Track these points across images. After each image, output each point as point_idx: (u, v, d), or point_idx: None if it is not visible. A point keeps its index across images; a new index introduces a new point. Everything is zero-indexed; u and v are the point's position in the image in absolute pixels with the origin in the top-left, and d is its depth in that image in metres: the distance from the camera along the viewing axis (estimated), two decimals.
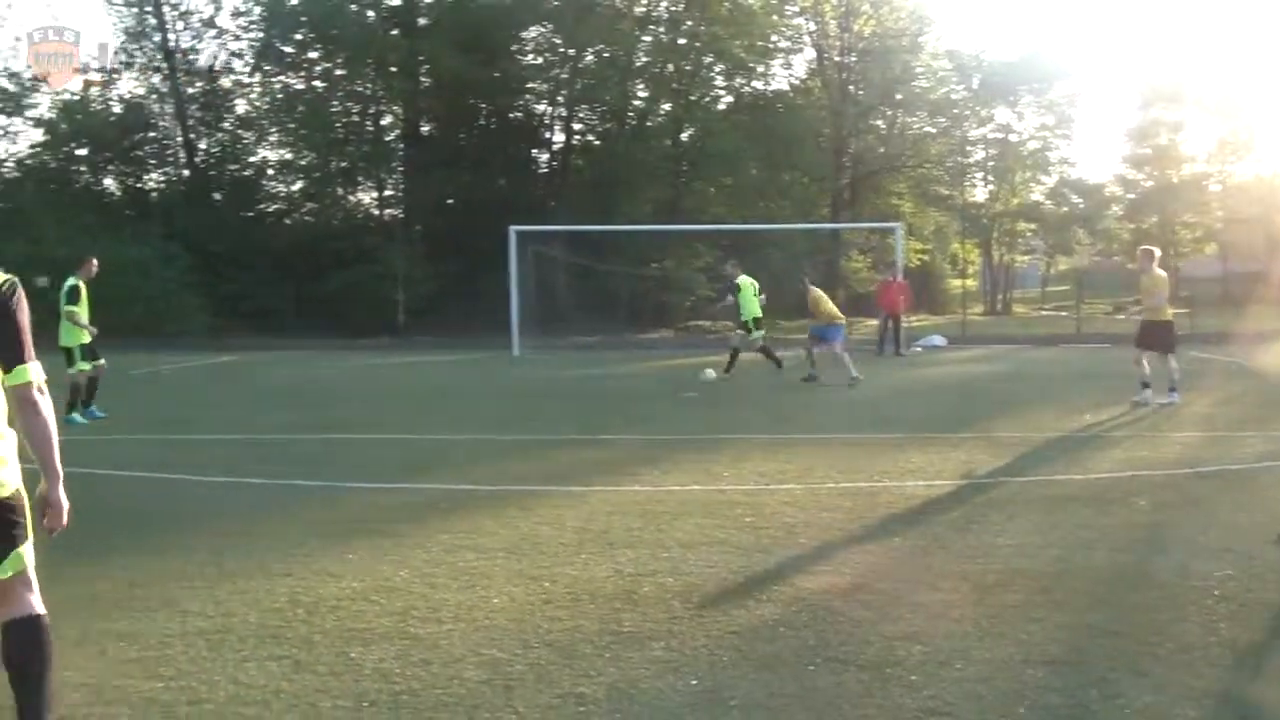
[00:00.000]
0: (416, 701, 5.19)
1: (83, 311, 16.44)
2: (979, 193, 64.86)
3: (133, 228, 45.19)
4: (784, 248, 48.37)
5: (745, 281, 22.94)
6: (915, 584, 7.06)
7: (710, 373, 22.29)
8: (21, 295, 4.37)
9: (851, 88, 55.79)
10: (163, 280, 42.81)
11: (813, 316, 21.99)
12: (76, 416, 16.02)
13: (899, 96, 56.54)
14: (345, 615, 6.47)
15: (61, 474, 4.47)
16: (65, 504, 4.51)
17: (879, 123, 59.31)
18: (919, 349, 32.89)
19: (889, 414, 16.80)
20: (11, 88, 48.88)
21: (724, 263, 28.87)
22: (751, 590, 6.91)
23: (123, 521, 9.12)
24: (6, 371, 4.33)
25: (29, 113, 49.40)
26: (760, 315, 22.90)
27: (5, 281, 4.33)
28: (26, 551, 4.48)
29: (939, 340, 35.60)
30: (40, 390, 4.35)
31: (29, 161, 49.50)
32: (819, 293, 21.87)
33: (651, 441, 14.08)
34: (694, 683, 5.38)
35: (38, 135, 49.66)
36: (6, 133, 51.15)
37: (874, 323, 35.33)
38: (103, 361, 16.91)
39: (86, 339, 16.40)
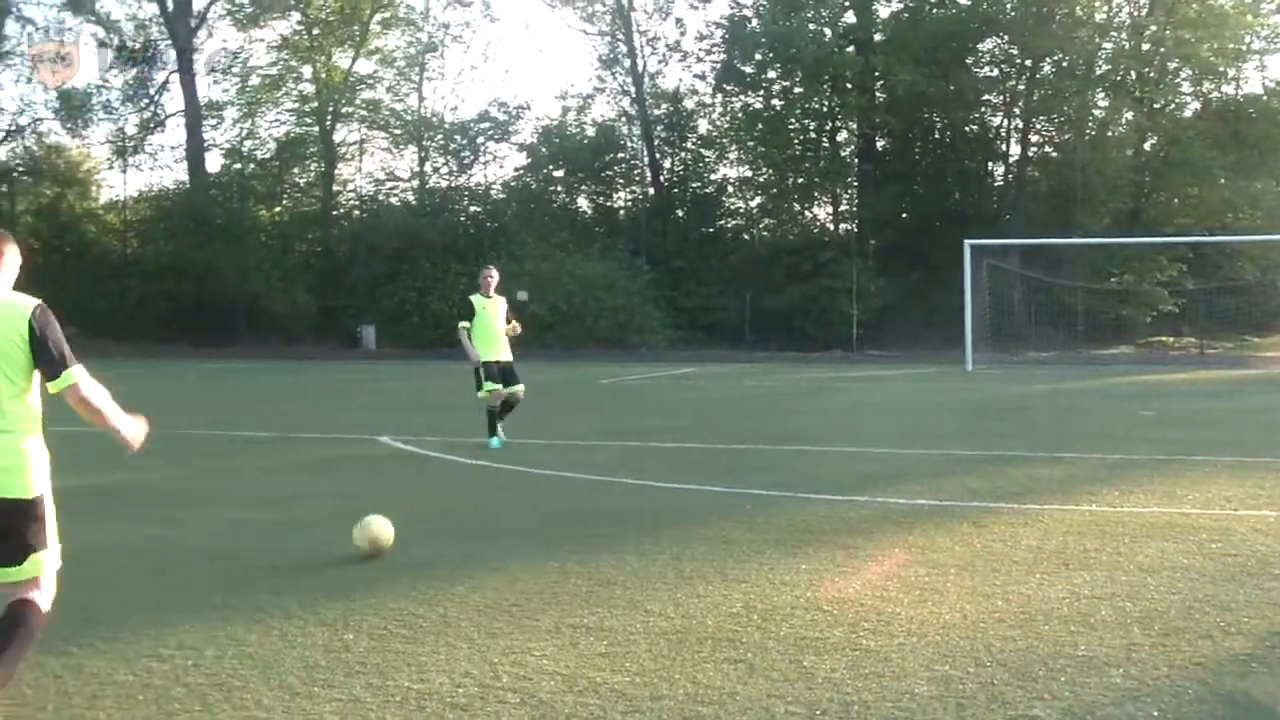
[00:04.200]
0: (867, 713, 5.22)
1: (480, 331, 15.44)
2: None
3: (601, 244, 47.51)
4: (1255, 260, 45.52)
5: None
6: None
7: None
8: (49, 316, 5.01)
9: None
10: (628, 294, 44.77)
11: None
12: (494, 441, 15.09)
13: None
14: (798, 624, 6.58)
15: (125, 426, 5.33)
16: (134, 431, 5.40)
17: None
18: None
19: None
20: (500, 116, 52.62)
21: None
22: (1219, 621, 6.57)
23: (585, 523, 9.65)
24: (51, 381, 4.98)
25: (514, 139, 53.07)
26: None
27: (35, 308, 4.96)
28: (45, 559, 5.02)
29: None
30: (78, 388, 5.02)
31: (513, 184, 53.04)
32: None
33: (1108, 461, 13.60)
34: (1155, 714, 5.19)
35: (521, 159, 53.25)
36: (495, 158, 55.17)
37: None
38: (518, 389, 15.68)
39: (491, 358, 15.38)
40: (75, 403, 5.08)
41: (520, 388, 15.70)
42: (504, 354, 15.46)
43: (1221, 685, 5.54)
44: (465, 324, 15.35)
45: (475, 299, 15.51)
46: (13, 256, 5.12)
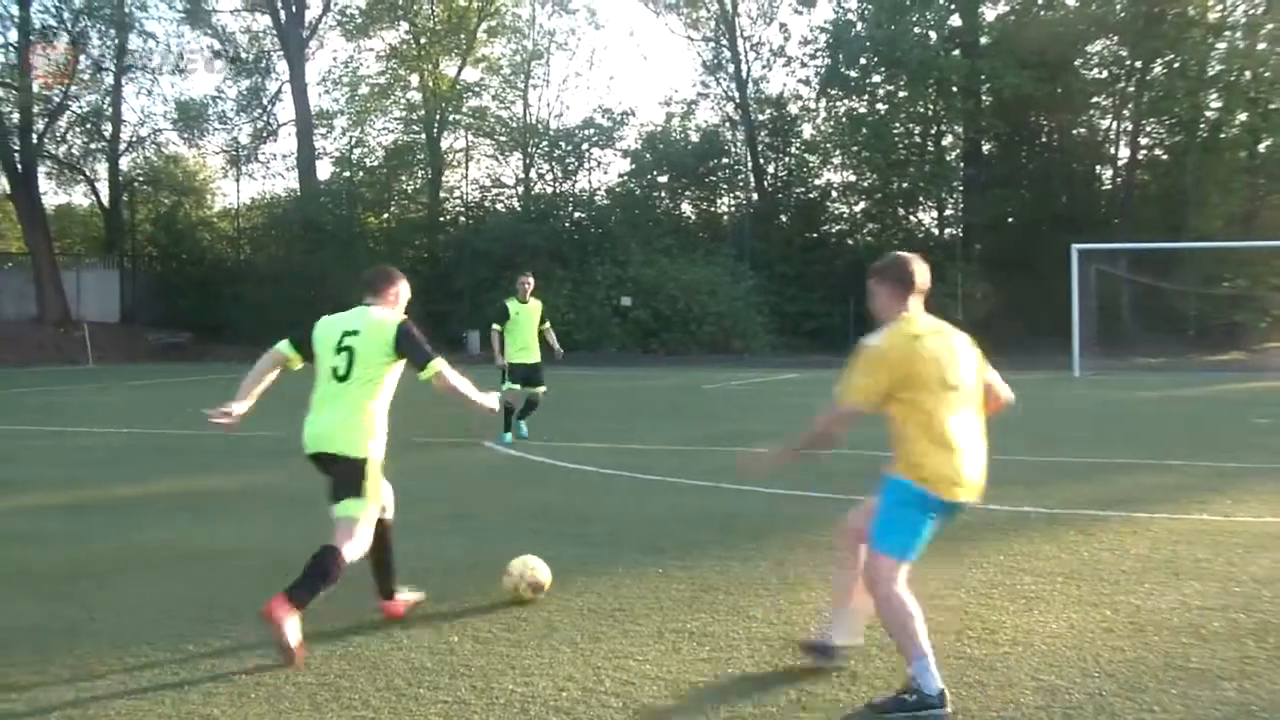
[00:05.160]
0: None
1: (512, 333, 16.49)
2: None
3: (705, 249, 47.54)
4: None
5: None
6: None
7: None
8: (410, 326, 6.88)
9: None
10: (731, 299, 44.78)
11: None
12: (507, 436, 16.18)
13: None
14: None
15: (482, 399, 7.05)
16: (489, 401, 7.18)
17: None
18: None
19: None
20: (605, 122, 52.89)
21: None
22: None
23: (689, 528, 9.69)
24: (420, 370, 6.85)
25: (619, 145, 53.34)
26: None
27: (401, 321, 6.89)
28: (359, 506, 6.66)
29: None
30: (442, 375, 6.84)
31: (617, 189, 53.29)
32: None
33: (1220, 469, 13.39)
34: None
35: (625, 165, 53.48)
36: (599, 164, 55.49)
37: None
38: (539, 390, 16.72)
39: (518, 360, 16.42)
40: (442, 388, 6.88)
41: (542, 389, 16.83)
42: (532, 357, 16.59)
43: None
44: (497, 326, 16.54)
45: (511, 303, 16.67)
46: (405, 289, 7.23)
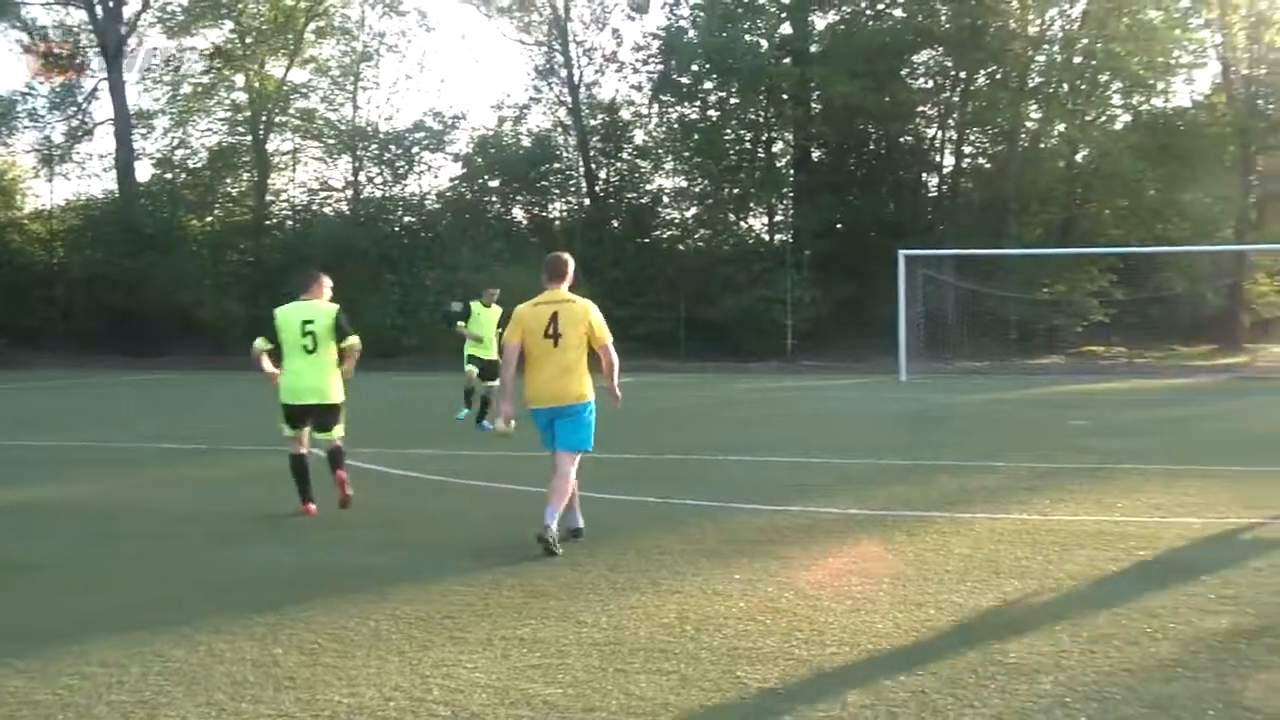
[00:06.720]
0: None
1: (476, 328, 19.25)
2: None
3: (536, 255, 47.41)
4: (1183, 270, 46.25)
5: None
6: None
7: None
8: (342, 312, 10.84)
9: (1260, 102, 52.33)
10: None
11: None
12: (463, 412, 19.53)
13: None
14: (731, 634, 6.61)
15: (350, 373, 10.95)
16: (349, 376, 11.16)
17: None
18: None
19: None
20: (436, 126, 52.42)
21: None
22: (1146, 627, 6.67)
23: (518, 534, 9.62)
24: (343, 341, 10.69)
25: (450, 149, 52.92)
26: None
27: (339, 309, 10.83)
28: (340, 429, 10.91)
29: None
30: (355, 346, 10.79)
31: (448, 193, 52.87)
32: None
33: (1039, 470, 13.74)
34: (1084, 719, 5.28)
35: (456, 169, 53.09)
36: (430, 168, 54.96)
37: None
38: (493, 384, 18.22)
39: (476, 352, 19.07)
40: (350, 352, 10.76)
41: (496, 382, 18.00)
42: (489, 354, 18.49)
43: (1149, 690, 5.62)
44: (462, 323, 19.49)
45: (476, 304, 19.63)
46: (329, 283, 11.08)
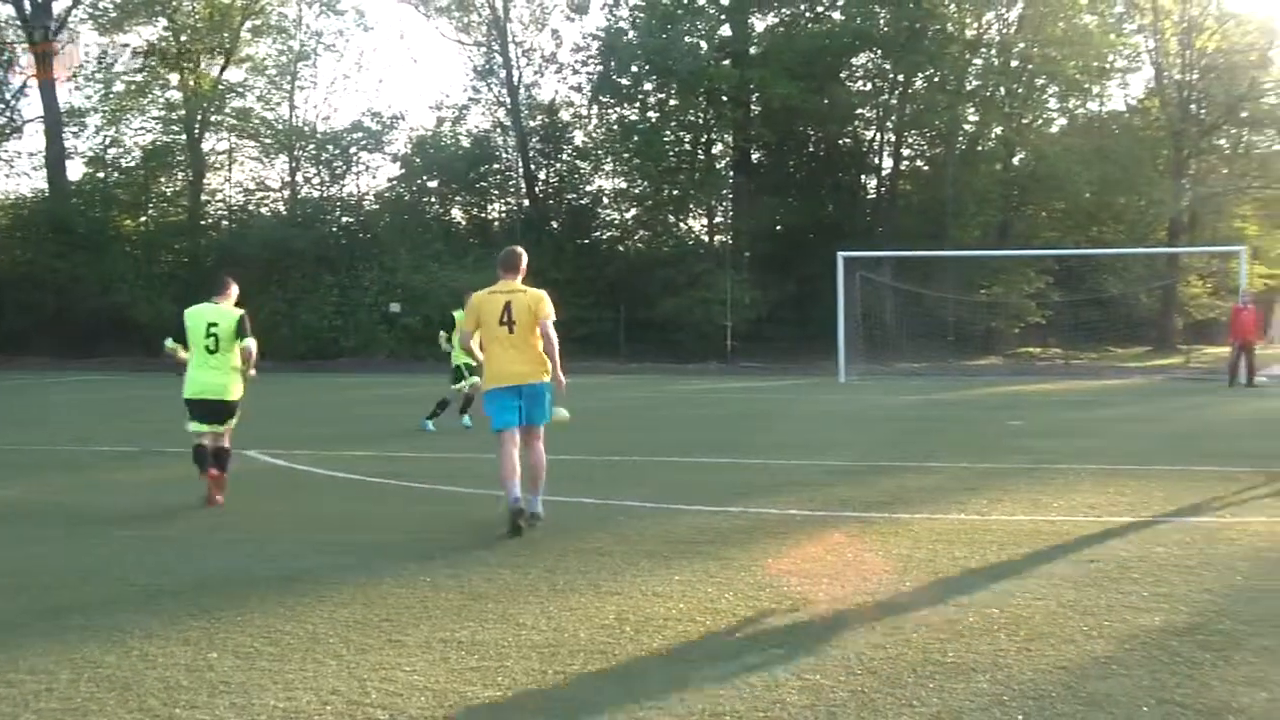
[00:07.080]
0: None
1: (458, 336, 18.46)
2: None
3: (475, 255, 47.31)
4: (1118, 273, 46.84)
5: None
6: (1259, 625, 6.71)
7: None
8: (245, 317, 11.47)
9: (1193, 106, 53.20)
10: None
11: None
12: (427, 425, 19.00)
13: (1245, 114, 53.35)
14: (671, 635, 6.59)
15: (252, 373, 11.60)
16: (251, 374, 11.82)
17: (1222, 142, 56.06)
18: (1264, 380, 31.06)
19: (1235, 447, 16.02)
20: (374, 126, 52.10)
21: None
22: (1081, 625, 6.72)
23: (457, 536, 9.58)
24: (241, 340, 11.36)
25: (388, 149, 52.62)
26: None
27: (241, 314, 11.45)
28: (231, 424, 11.52)
29: None
30: (249, 346, 11.46)
31: (386, 194, 52.61)
32: None
33: (977, 470, 13.83)
34: (1020, 718, 5.28)
35: (394, 169, 52.83)
36: (368, 168, 54.61)
37: (1213, 351, 33.71)
38: (475, 380, 17.96)
39: (464, 359, 18.26)
40: (245, 351, 11.43)
41: (478, 379, 17.63)
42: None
43: (1084, 688, 5.65)
44: (445, 333, 19.60)
45: (458, 314, 18.31)
46: (235, 289, 11.72)
